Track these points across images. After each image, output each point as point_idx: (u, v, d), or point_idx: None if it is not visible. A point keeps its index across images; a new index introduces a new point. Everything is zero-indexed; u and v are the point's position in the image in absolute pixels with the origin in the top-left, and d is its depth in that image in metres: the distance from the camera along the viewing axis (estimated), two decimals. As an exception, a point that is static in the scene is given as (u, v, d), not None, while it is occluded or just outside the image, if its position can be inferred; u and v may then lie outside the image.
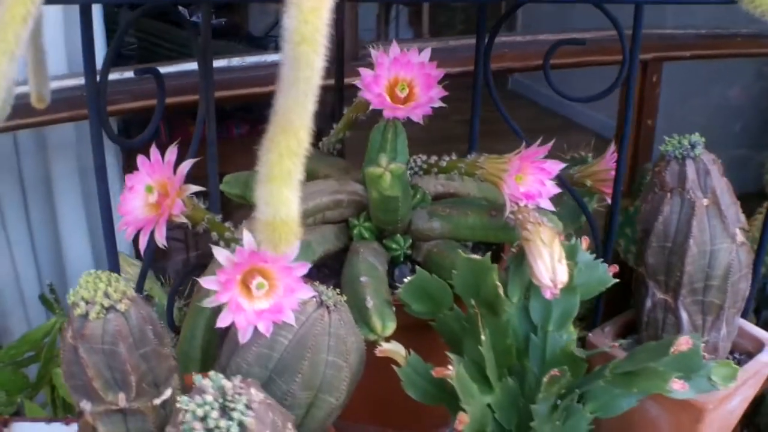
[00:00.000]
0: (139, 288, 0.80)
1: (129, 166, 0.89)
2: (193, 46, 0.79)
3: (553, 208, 0.78)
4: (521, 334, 0.70)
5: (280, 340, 0.63)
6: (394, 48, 0.80)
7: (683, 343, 0.62)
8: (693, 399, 0.72)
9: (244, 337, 0.63)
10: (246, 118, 1.84)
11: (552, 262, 0.66)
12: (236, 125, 1.81)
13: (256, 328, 0.63)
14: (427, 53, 0.82)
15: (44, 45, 0.62)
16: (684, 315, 0.76)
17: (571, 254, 0.72)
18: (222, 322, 0.63)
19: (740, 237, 0.75)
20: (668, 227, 0.75)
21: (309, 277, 0.81)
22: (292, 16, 0.41)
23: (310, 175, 0.90)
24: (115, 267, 0.75)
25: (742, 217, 0.76)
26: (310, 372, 0.63)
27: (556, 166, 0.77)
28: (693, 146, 0.74)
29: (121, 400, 0.60)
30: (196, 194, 0.71)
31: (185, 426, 0.50)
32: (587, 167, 0.96)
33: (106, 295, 0.58)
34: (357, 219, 0.83)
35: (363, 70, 0.80)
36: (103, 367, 0.59)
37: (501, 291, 0.64)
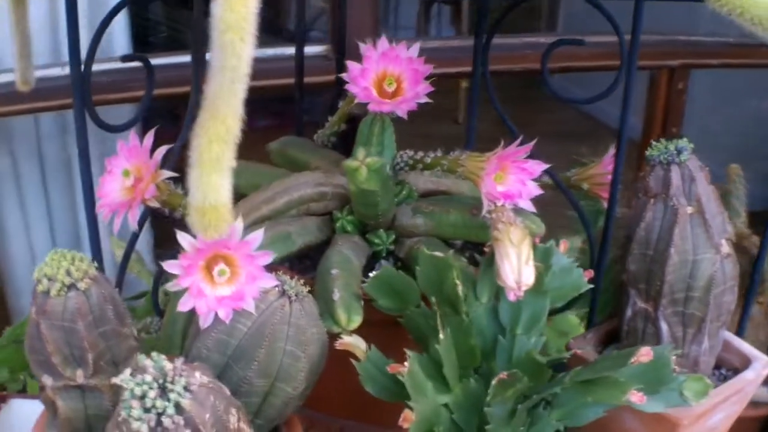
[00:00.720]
0: (122, 270, 0.82)
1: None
2: (192, 35, 0.80)
3: (533, 209, 0.77)
4: (489, 336, 0.70)
5: (239, 327, 0.64)
6: (383, 42, 0.80)
7: (644, 353, 0.61)
8: (668, 413, 0.70)
9: (204, 322, 0.64)
10: (269, 109, 1.86)
11: (518, 264, 0.65)
12: (259, 117, 1.83)
13: (217, 314, 0.64)
14: (415, 48, 0.81)
15: (30, 31, 0.64)
16: (664, 326, 0.75)
17: (544, 257, 0.71)
18: (182, 306, 0.63)
19: (726, 248, 0.73)
20: (650, 234, 0.73)
21: (290, 268, 0.82)
22: (219, 4, 0.42)
23: (303, 167, 0.90)
24: (96, 250, 0.76)
25: (729, 227, 0.74)
26: (267, 360, 0.63)
27: (537, 167, 0.76)
28: (679, 152, 0.73)
29: (79, 376, 0.62)
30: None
31: (125, 404, 0.51)
32: (584, 170, 0.95)
33: (68, 273, 0.59)
34: (341, 212, 0.83)
35: (350, 63, 0.80)
36: (62, 343, 0.60)
37: (460, 290, 0.63)
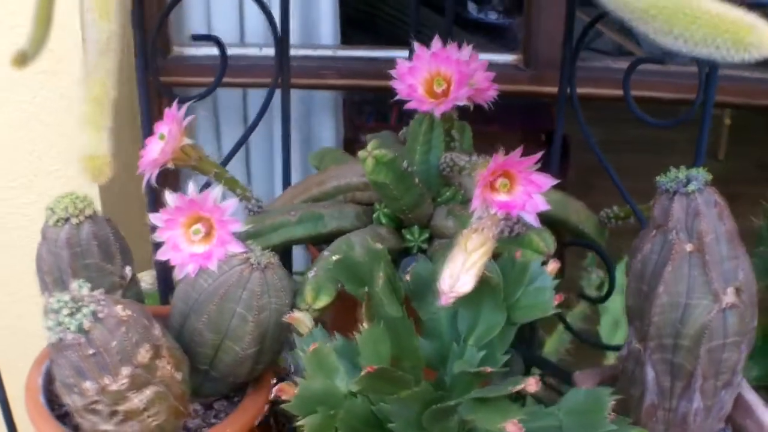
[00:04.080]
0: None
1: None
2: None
3: (538, 224, 0.70)
4: (447, 340, 0.66)
5: (200, 282, 0.68)
6: (436, 42, 0.79)
7: (531, 384, 0.54)
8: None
9: (179, 273, 0.68)
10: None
11: (459, 270, 0.61)
12: (398, 115, 1.83)
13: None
14: (466, 51, 0.78)
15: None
16: (649, 372, 0.65)
17: (519, 273, 0.65)
18: (159, 255, 0.69)
19: (731, 298, 0.61)
20: (646, 267, 0.64)
21: (319, 247, 0.83)
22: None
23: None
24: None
25: (743, 275, 0.62)
26: (217, 316, 0.67)
27: (546, 181, 0.70)
28: (688, 181, 0.62)
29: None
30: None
31: (45, 315, 0.58)
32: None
33: (66, 209, 0.67)
34: (380, 204, 0.83)
35: (400, 61, 0.79)
36: (53, 266, 0.69)
37: (380, 283, 0.61)
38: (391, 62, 0.80)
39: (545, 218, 0.91)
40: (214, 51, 1.42)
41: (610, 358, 1.29)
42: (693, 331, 0.62)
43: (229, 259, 0.68)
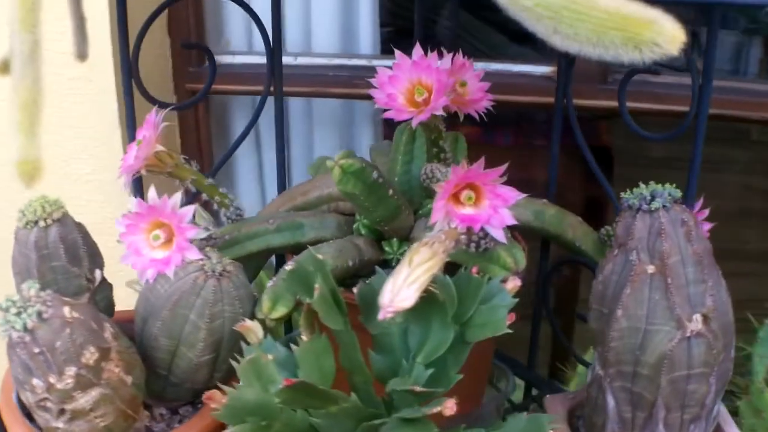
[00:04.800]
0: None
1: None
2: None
3: (504, 240, 0.66)
4: (399, 356, 0.62)
5: (158, 287, 0.67)
6: (417, 50, 0.75)
7: (448, 406, 0.50)
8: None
9: (141, 277, 0.67)
10: (513, 127, 1.79)
11: (401, 284, 0.57)
12: (504, 134, 1.77)
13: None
14: (447, 60, 0.75)
15: (84, 13, 0.73)
16: (610, 401, 0.59)
17: (474, 290, 0.61)
18: (123, 259, 0.68)
19: (697, 325, 0.55)
20: (606, 289, 0.59)
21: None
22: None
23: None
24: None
25: (713, 301, 0.56)
26: (171, 322, 0.66)
27: (511, 195, 0.65)
28: (652, 198, 0.57)
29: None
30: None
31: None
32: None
33: (35, 212, 0.67)
34: (361, 215, 0.80)
35: (380, 69, 0.76)
36: (23, 267, 0.69)
37: (316, 294, 0.58)
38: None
39: (539, 233, 0.86)
40: (251, 59, 1.44)
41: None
42: (653, 359, 0.56)
43: (186, 266, 0.66)
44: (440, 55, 0.76)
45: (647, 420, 0.58)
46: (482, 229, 0.67)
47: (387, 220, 0.76)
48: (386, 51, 1.51)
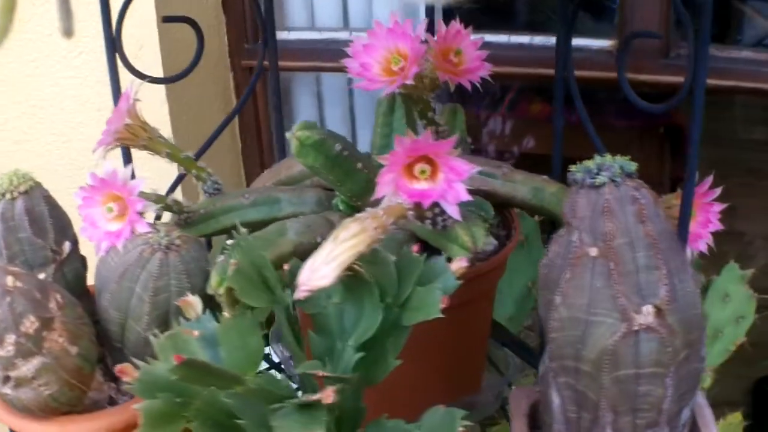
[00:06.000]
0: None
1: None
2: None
3: (458, 217, 0.58)
4: (335, 338, 0.56)
5: (108, 260, 0.63)
6: (392, 17, 0.68)
7: (327, 395, 0.43)
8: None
9: (97, 250, 0.64)
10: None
11: (321, 261, 0.51)
12: (572, 111, 1.64)
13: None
14: (421, 27, 0.67)
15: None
16: (555, 398, 0.51)
17: (411, 270, 0.54)
18: (81, 231, 0.65)
19: (647, 318, 0.46)
20: (551, 273, 0.50)
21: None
22: None
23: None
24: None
25: (668, 291, 0.46)
26: (117, 295, 0.63)
27: (465, 167, 0.57)
28: (598, 170, 0.47)
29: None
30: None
31: None
32: (667, 200, 0.68)
33: (2, 185, 0.66)
34: (342, 190, 0.74)
35: (355, 38, 0.69)
36: (-8, 237, 0.67)
37: (231, 270, 0.52)
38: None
39: (538, 212, 0.77)
40: (309, 35, 1.39)
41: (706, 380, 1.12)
42: (593, 354, 0.47)
43: (134, 239, 0.63)
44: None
45: (593, 422, 0.49)
46: (437, 204, 0.59)
47: (358, 194, 0.69)
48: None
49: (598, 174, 0.47)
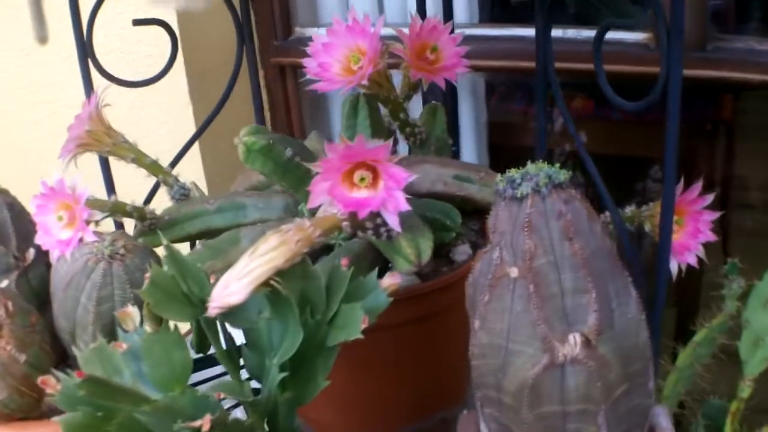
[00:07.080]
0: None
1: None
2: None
3: (397, 227, 0.52)
4: (265, 354, 0.51)
5: (58, 268, 0.61)
6: (351, 13, 0.62)
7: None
8: None
9: (52, 258, 0.62)
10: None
11: (233, 277, 0.46)
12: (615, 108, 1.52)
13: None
14: (379, 24, 0.61)
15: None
16: (484, 429, 0.45)
17: (338, 286, 0.49)
18: (36, 239, 0.62)
19: (572, 349, 0.39)
20: (475, 293, 0.44)
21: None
22: None
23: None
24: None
25: (597, 318, 0.39)
26: (64, 303, 0.60)
27: (403, 175, 0.51)
28: (521, 180, 0.41)
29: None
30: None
31: None
32: (652, 208, 0.60)
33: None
34: (308, 195, 0.69)
35: (315, 36, 0.64)
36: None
37: (145, 284, 0.48)
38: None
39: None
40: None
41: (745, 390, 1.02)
42: (513, 386, 0.41)
43: (81, 248, 0.60)
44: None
45: (519, 460, 0.43)
46: (378, 214, 0.54)
47: (316, 200, 0.64)
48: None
49: (520, 184, 0.41)
